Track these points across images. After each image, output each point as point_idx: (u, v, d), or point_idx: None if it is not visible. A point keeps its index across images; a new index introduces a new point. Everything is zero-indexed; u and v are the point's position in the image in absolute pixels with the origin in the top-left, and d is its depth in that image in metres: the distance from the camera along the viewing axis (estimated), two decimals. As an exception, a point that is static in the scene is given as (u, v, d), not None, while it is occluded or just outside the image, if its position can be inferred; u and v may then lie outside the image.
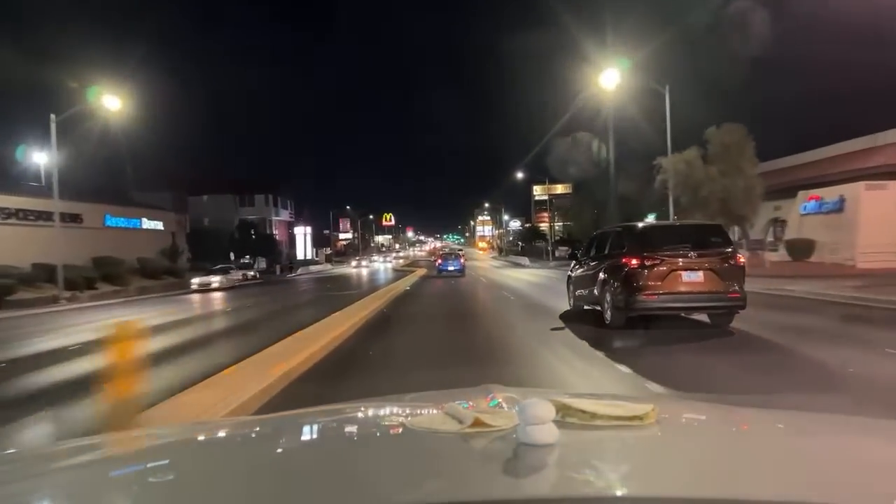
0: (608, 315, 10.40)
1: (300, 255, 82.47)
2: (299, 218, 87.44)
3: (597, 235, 12.77)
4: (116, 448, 1.74)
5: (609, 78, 27.92)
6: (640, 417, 1.36)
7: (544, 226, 79.31)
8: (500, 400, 1.64)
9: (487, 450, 1.19)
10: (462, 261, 39.23)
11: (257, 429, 1.81)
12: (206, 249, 57.16)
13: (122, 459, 1.54)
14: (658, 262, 9.70)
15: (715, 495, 1.01)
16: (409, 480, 1.13)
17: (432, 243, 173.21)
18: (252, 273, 52.15)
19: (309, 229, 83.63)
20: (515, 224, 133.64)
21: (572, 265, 13.65)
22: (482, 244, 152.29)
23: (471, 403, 1.57)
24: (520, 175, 71.36)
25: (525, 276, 35.65)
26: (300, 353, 8.31)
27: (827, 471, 1.20)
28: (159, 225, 49.01)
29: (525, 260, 65.38)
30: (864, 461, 1.28)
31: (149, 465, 1.43)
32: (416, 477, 1.15)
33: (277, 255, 77.37)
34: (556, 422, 1.20)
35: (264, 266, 67.48)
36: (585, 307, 12.10)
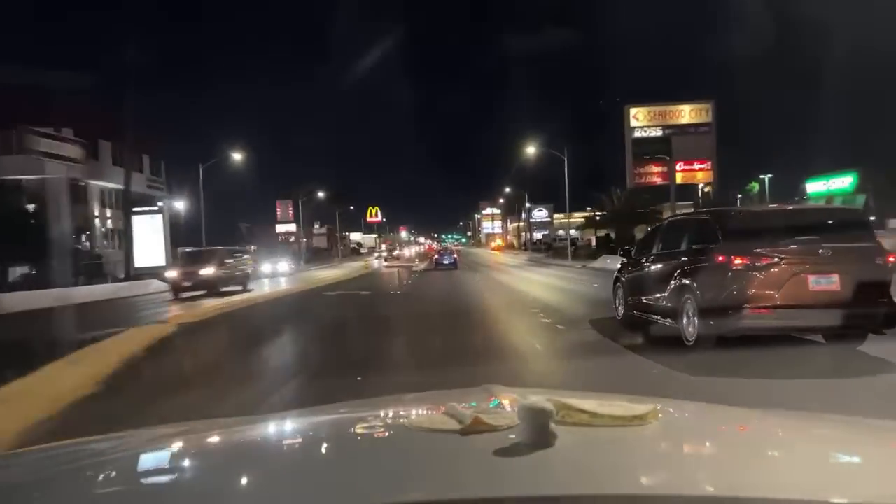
0: (690, 332, 7.60)
1: (150, 260, 39.55)
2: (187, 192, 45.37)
3: (664, 225, 10.29)
4: (110, 449, 1.62)
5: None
6: (640, 417, 1.34)
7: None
8: (500, 400, 1.62)
9: (487, 450, 1.18)
10: (455, 256, 42.65)
11: (256, 429, 1.80)
12: None
13: (116, 461, 1.46)
14: (773, 261, 6.94)
15: (715, 495, 1.01)
16: (409, 480, 1.13)
17: (428, 244, 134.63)
18: None
19: (159, 206, 40.64)
20: (542, 214, 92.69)
21: (621, 264, 10.91)
22: (496, 242, 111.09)
23: (471, 403, 1.57)
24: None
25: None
26: None
27: (827, 470, 1.22)
28: None
29: None
30: (864, 461, 1.29)
31: (145, 466, 1.42)
32: (416, 477, 1.15)
33: (67, 253, 34.38)
34: (556, 422, 1.19)
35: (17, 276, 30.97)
36: (638, 315, 9.42)
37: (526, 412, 1.17)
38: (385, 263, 53.93)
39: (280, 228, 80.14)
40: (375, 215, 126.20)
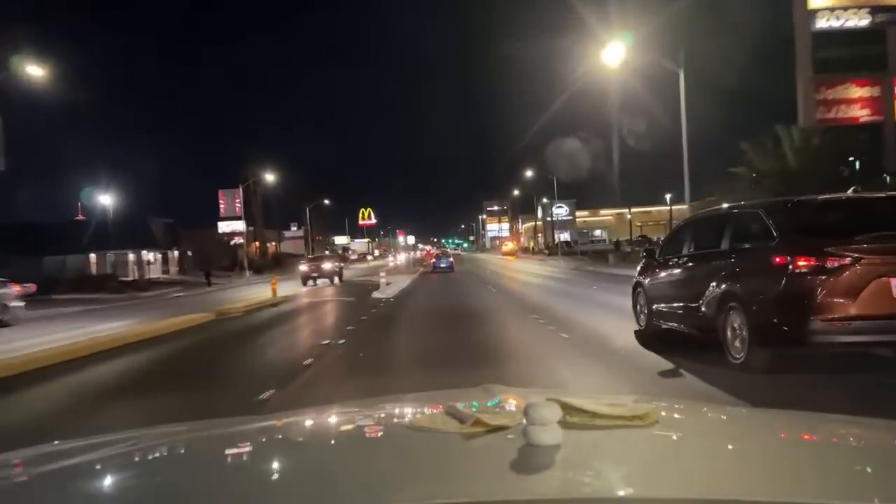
0: (737, 346, 6.53)
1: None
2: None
3: (696, 220, 8.93)
4: (114, 449, 1.62)
5: None
6: (640, 417, 1.35)
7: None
8: (501, 399, 1.62)
9: (488, 450, 1.20)
10: (451, 259, 45.53)
11: (256, 429, 1.78)
12: None
13: (119, 461, 1.49)
14: (846, 262, 5.79)
15: (715, 495, 1.02)
16: (409, 480, 1.13)
17: (426, 249, 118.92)
18: None
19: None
20: (562, 211, 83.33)
21: (641, 267, 9.79)
22: (507, 245, 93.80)
23: (472, 403, 1.56)
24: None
25: None
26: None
27: (826, 471, 1.20)
28: None
29: None
30: (864, 461, 1.28)
31: (146, 467, 1.42)
32: (417, 477, 1.15)
33: None
34: (556, 421, 1.19)
35: None
36: (665, 326, 8.57)
37: (532, 413, 1.15)
38: (309, 285, 29.22)
39: (224, 227, 60.46)
40: (368, 217, 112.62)
